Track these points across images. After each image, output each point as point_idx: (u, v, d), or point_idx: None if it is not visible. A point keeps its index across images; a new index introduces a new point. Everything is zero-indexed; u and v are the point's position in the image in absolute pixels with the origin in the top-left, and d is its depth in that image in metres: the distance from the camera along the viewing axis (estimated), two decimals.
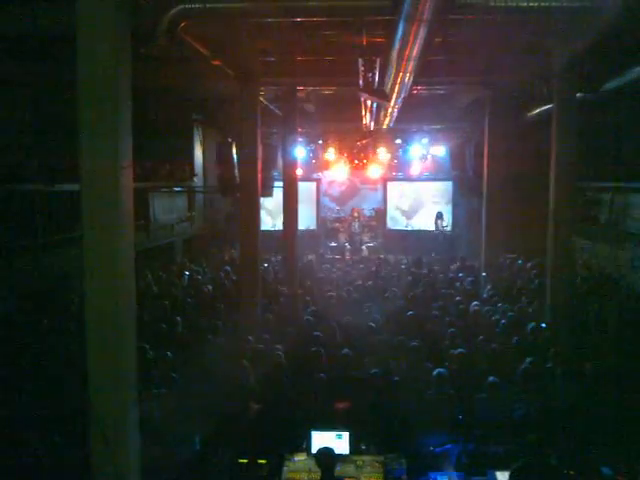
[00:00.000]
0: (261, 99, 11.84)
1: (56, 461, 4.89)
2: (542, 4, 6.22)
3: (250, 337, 8.09)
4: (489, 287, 11.68)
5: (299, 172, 15.37)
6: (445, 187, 20.95)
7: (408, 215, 21.42)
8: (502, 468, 4.64)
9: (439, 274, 13.67)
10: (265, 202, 16.05)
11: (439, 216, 19.92)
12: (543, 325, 8.66)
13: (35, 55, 8.97)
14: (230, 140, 12.44)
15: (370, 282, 12.28)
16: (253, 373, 6.74)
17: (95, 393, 4.42)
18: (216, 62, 9.53)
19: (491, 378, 6.18)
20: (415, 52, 6.95)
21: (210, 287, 11.79)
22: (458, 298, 10.46)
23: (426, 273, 13.65)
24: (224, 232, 18.49)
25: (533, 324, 8.38)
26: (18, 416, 5.45)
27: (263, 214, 14.13)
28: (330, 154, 19.07)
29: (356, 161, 19.58)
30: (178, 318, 8.97)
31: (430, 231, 20.08)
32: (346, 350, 7.19)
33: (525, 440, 4.88)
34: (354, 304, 10.37)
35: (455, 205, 20.70)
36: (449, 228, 20.28)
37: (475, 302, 10.07)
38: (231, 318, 9.36)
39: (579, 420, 5.40)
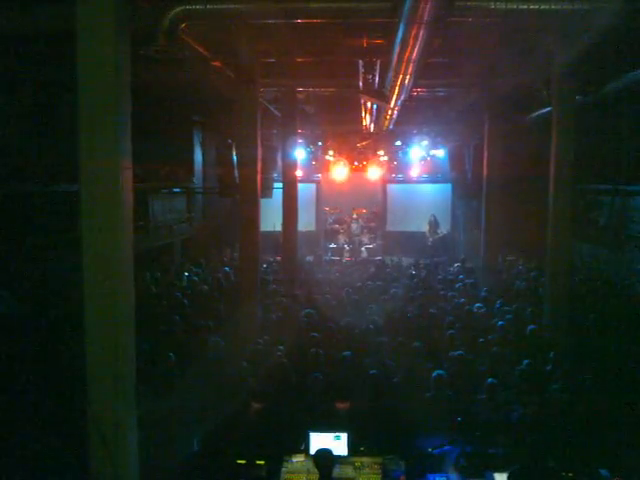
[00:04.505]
0: (261, 100, 11.84)
1: (55, 462, 4.88)
2: (542, 6, 6.26)
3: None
4: (486, 289, 11.68)
5: (299, 173, 15.39)
6: (444, 189, 20.96)
7: (407, 217, 21.45)
8: (500, 470, 4.63)
9: (438, 276, 13.67)
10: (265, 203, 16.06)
11: (433, 219, 19.89)
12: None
13: (35, 55, 8.96)
14: (230, 141, 12.43)
15: (369, 283, 12.26)
16: (252, 374, 6.74)
17: (94, 393, 4.42)
18: (216, 63, 9.54)
19: (490, 380, 6.19)
20: (415, 54, 6.97)
21: (205, 287, 11.77)
22: (457, 300, 10.46)
23: (425, 275, 13.65)
24: (223, 233, 18.49)
25: (532, 326, 8.39)
26: (17, 417, 5.45)
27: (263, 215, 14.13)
28: (330, 156, 19.10)
29: (356, 163, 19.62)
30: (177, 317, 8.96)
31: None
32: (345, 351, 7.19)
33: (523, 442, 4.88)
34: (353, 305, 10.36)
35: (454, 207, 20.71)
36: (445, 231, 20.30)
37: (476, 304, 10.07)
38: (230, 319, 9.36)
39: (577, 422, 5.40)
